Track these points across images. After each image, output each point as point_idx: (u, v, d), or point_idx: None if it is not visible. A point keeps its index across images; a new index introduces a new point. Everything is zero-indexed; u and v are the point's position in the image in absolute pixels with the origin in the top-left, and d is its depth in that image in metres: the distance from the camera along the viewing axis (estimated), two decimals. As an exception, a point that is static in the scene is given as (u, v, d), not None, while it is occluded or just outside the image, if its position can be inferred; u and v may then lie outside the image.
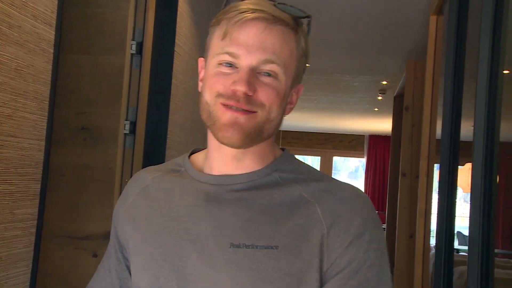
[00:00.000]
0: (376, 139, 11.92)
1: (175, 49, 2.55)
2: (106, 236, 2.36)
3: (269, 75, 1.02)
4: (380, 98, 7.48)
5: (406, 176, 4.00)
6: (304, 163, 1.16)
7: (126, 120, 2.40)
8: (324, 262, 1.00)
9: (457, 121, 2.19)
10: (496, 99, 1.63)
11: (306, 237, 1.00)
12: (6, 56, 1.38)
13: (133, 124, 2.43)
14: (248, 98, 0.99)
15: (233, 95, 0.99)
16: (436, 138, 3.08)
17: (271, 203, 1.05)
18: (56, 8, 1.57)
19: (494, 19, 1.66)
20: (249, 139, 1.02)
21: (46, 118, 1.59)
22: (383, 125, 10.35)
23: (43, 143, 1.58)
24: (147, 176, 1.15)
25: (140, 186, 1.14)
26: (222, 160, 1.08)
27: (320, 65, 5.47)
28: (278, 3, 1.03)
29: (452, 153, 2.18)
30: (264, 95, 1.01)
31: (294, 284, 0.99)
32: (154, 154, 2.52)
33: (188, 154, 1.17)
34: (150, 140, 2.50)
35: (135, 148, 2.44)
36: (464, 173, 5.08)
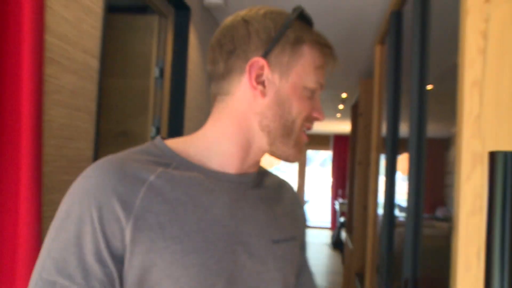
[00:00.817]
0: (339, 138, 11.95)
1: (188, 73, 2.57)
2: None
3: None
4: (341, 107, 7.52)
5: (362, 164, 4.04)
6: None
7: (153, 126, 2.43)
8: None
9: (396, 123, 2.22)
10: (424, 107, 1.67)
11: (298, 224, 0.95)
12: (65, 81, 1.41)
13: (158, 129, 2.46)
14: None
15: (312, 121, 0.85)
16: (383, 136, 3.12)
17: (277, 197, 0.92)
18: (99, 44, 1.60)
19: (422, 47, 1.69)
20: None
21: (94, 125, 1.61)
22: (344, 127, 10.38)
23: (92, 144, 1.60)
24: (140, 171, 0.75)
25: (141, 184, 0.74)
26: (247, 160, 0.85)
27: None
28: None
29: (393, 147, 2.22)
30: None
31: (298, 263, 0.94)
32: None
33: (161, 143, 0.83)
34: (170, 140, 2.54)
35: (159, 147, 2.47)
36: (403, 161, 5.13)
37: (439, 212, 1.63)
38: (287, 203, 0.94)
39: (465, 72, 1.06)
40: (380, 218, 2.41)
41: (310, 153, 12.91)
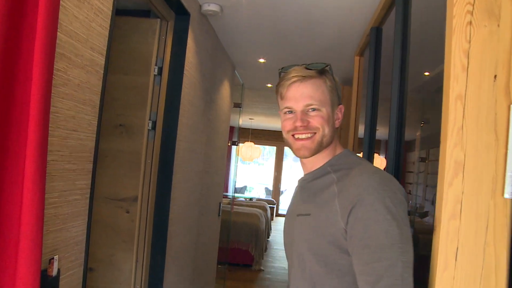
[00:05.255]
0: (313, 136, 11.93)
1: (184, 72, 2.50)
2: (135, 200, 2.33)
3: (314, 110, 1.14)
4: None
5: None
6: (355, 157, 1.21)
7: (150, 120, 2.36)
8: (341, 216, 1.02)
9: (373, 127, 2.20)
10: (403, 114, 1.64)
11: (327, 205, 1.07)
12: (72, 75, 1.33)
13: (154, 123, 2.39)
14: (304, 128, 1.13)
15: (295, 129, 1.14)
16: (359, 137, 3.10)
17: (315, 187, 1.17)
18: (106, 43, 1.52)
19: (402, 61, 1.66)
20: (314, 152, 1.16)
21: (97, 118, 1.54)
22: (318, 126, 10.40)
23: (94, 135, 1.53)
24: None
25: None
26: (304, 165, 1.24)
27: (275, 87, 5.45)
28: (307, 65, 1.17)
29: (370, 147, 2.19)
30: (315, 122, 1.13)
31: (320, 233, 1.07)
32: (167, 144, 2.48)
33: None
34: (165, 134, 2.46)
35: (155, 139, 2.40)
36: (376, 159, 5.09)
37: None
38: (326, 195, 1.11)
39: (450, 87, 1.03)
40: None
41: (286, 150, 12.89)
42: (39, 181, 1.05)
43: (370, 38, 2.27)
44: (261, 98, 7.01)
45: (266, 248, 7.02)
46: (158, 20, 2.33)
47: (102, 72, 1.52)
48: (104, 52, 1.51)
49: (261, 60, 3.99)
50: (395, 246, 0.92)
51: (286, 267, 5.19)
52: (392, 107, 1.61)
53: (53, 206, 1.31)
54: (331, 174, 1.14)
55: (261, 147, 11.07)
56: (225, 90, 4.01)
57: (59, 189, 1.34)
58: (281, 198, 12.73)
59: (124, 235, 2.31)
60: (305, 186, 1.22)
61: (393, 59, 1.68)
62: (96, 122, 1.53)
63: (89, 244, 1.52)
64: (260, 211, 7.24)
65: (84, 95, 1.42)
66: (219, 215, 4.18)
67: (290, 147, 1.20)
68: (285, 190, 13.55)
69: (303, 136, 1.14)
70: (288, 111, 1.16)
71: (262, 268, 5.93)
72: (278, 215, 12.12)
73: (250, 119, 9.88)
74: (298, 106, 1.14)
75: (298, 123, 1.13)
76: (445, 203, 1.00)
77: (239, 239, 5.96)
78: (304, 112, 1.13)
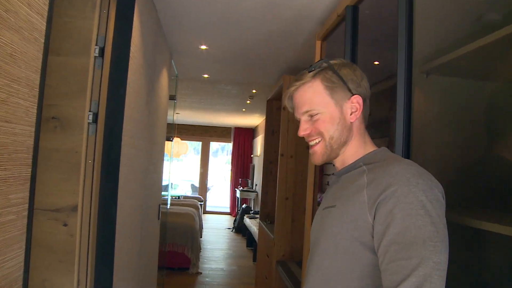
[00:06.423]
0: (239, 130, 11.74)
1: (130, 54, 2.07)
2: (74, 209, 1.86)
3: (314, 114, 1.08)
4: (248, 102, 7.27)
5: (284, 156, 3.77)
6: (391, 154, 1.09)
7: (90, 111, 1.90)
8: (369, 208, 0.92)
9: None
10: (410, 98, 1.42)
11: (354, 196, 0.97)
12: (2, 40, 0.90)
13: (95, 115, 1.93)
14: (308, 135, 1.10)
15: (303, 138, 1.12)
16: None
17: (344, 180, 1.08)
18: (48, 0, 1.09)
19: (408, 38, 1.43)
20: (326, 157, 1.10)
21: (36, 105, 1.11)
22: (246, 120, 10.18)
23: (33, 128, 1.10)
24: None
25: None
26: (335, 166, 1.15)
27: (212, 77, 5.10)
28: (309, 67, 1.11)
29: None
30: (318, 127, 1.08)
31: (344, 226, 0.98)
32: (112, 140, 2.04)
33: None
34: (109, 128, 2.01)
35: (97, 135, 1.94)
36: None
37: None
38: (354, 186, 1.01)
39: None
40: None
41: (212, 144, 12.53)
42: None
43: (345, 19, 2.03)
44: (190, 90, 6.60)
45: (200, 249, 6.64)
46: (99, -11, 1.88)
47: (43, 41, 1.09)
48: (46, 13, 1.08)
49: (203, 47, 3.62)
50: (427, 243, 0.82)
51: (224, 268, 4.88)
52: (399, 104, 1.38)
53: (-21, 233, 0.87)
54: (363, 167, 1.05)
55: (187, 142, 10.61)
56: (164, 80, 3.58)
57: (-12, 207, 0.90)
58: (208, 194, 12.33)
59: (61, 254, 1.83)
60: (335, 181, 1.16)
61: (398, 44, 1.45)
62: (36, 111, 1.10)
63: (28, 280, 1.08)
64: (193, 210, 6.83)
65: (20, 70, 0.99)
66: (158, 218, 3.75)
67: None
68: (212, 186, 13.19)
69: (312, 143, 1.11)
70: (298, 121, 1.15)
71: (200, 271, 5.54)
72: (206, 212, 11.72)
73: (176, 113, 9.37)
74: (299, 116, 1.12)
75: (300, 133, 1.11)
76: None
77: (174, 241, 5.52)
78: (306, 120, 1.10)
